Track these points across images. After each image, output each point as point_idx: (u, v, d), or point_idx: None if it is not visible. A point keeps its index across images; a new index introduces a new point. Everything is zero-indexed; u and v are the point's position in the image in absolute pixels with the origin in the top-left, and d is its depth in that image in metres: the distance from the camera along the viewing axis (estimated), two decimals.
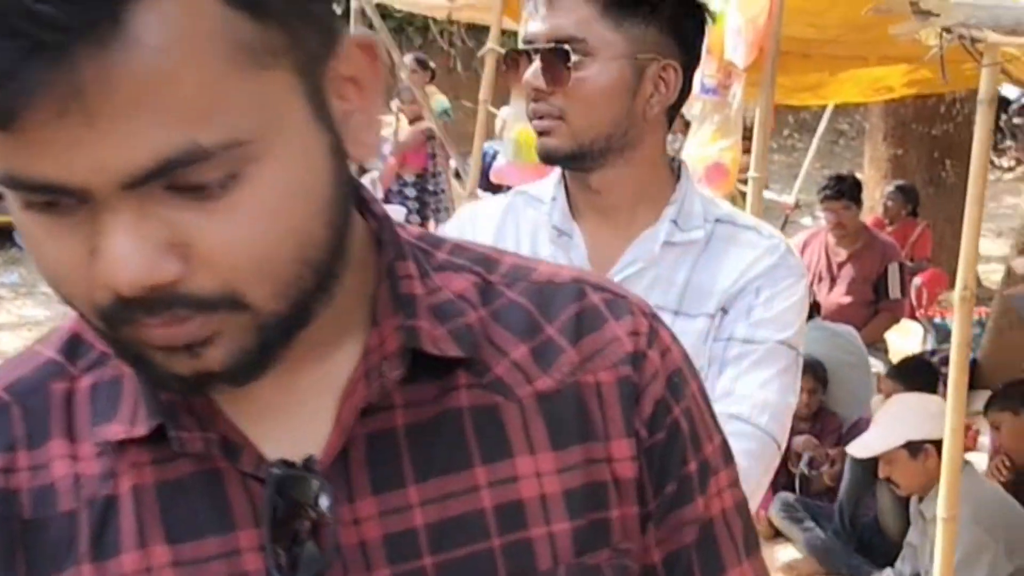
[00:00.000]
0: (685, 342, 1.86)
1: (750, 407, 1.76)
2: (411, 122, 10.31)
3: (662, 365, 0.95)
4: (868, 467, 5.12)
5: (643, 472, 0.93)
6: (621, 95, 1.80)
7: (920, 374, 5.54)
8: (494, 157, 8.91)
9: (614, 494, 0.92)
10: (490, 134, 8.12)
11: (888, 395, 5.30)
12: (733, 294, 1.81)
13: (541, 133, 1.81)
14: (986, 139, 2.80)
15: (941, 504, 2.78)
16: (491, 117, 6.07)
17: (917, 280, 7.98)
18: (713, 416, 1.01)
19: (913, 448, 4.37)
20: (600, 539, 0.91)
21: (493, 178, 5.55)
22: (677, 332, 1.87)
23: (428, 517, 0.87)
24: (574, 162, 1.83)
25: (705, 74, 4.01)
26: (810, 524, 5.38)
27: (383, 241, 0.92)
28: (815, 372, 5.81)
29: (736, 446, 1.66)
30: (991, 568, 4.11)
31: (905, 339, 7.72)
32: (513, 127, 5.18)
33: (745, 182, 3.92)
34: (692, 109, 4.15)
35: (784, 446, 1.81)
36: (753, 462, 1.73)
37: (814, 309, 6.55)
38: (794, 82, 4.98)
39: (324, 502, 0.85)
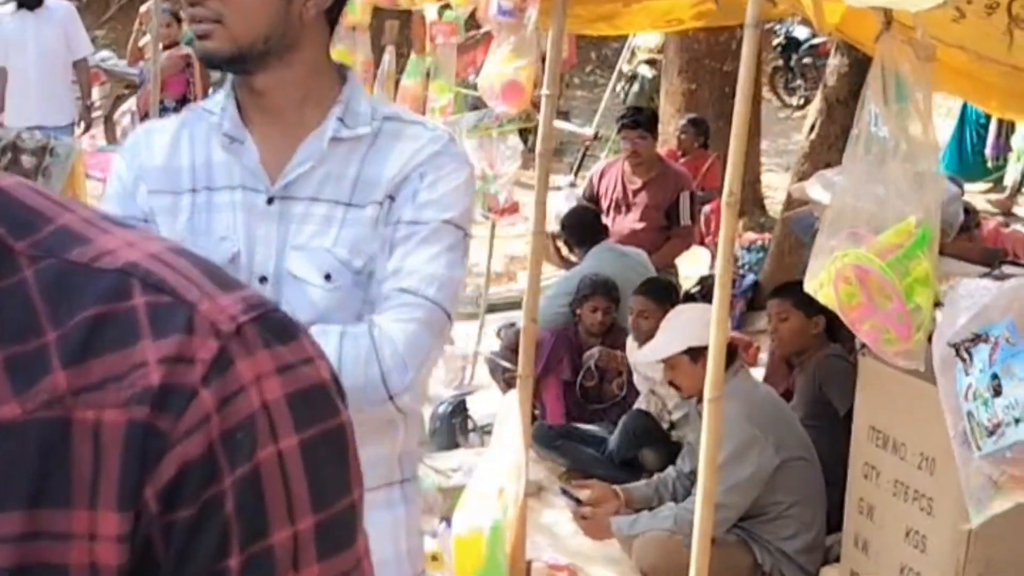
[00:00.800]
0: (357, 232, 1.98)
1: (418, 280, 1.87)
2: (166, 48, 10.25)
3: (220, 412, 0.67)
4: (638, 433, 5.47)
5: (143, 561, 0.67)
6: None
7: (663, 291, 5.84)
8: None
9: None
10: None
11: (636, 311, 5.64)
12: (399, 182, 1.92)
13: (200, 36, 1.90)
14: (752, 60, 3.07)
15: (708, 387, 3.04)
16: None
17: (706, 209, 8.39)
18: (317, 493, 0.71)
19: (694, 354, 4.61)
20: None
21: None
22: (349, 223, 1.95)
23: None
24: (234, 65, 1.93)
25: None
26: (581, 448, 5.69)
27: None
28: (608, 291, 6.14)
29: (406, 315, 1.89)
30: (760, 460, 4.46)
31: (694, 264, 8.13)
32: None
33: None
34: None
35: (454, 316, 1.95)
36: (423, 329, 1.87)
37: (603, 232, 6.92)
38: (589, 12, 5.17)
39: None
